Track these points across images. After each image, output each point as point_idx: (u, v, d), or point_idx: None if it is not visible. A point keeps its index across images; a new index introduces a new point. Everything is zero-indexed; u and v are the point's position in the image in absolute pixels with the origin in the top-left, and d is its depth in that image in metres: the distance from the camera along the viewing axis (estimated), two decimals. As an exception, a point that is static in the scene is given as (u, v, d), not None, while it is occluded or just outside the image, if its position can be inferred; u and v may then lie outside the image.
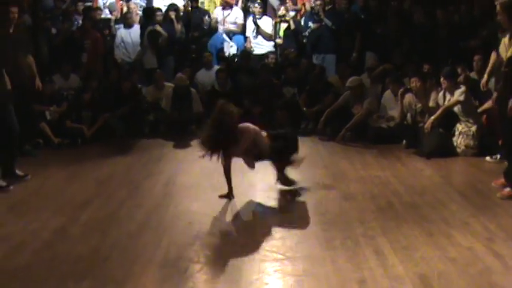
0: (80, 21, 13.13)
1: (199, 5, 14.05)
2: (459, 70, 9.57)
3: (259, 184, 7.43)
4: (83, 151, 10.04)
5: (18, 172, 8.03)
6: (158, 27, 12.78)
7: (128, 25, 13.10)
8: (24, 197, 7.33)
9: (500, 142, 7.91)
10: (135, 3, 13.94)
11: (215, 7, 14.03)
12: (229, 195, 6.93)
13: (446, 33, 11.17)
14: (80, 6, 13.64)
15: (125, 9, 14.15)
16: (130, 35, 12.94)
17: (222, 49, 13.36)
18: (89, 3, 14.08)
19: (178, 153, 9.74)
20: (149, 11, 13.27)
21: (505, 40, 6.55)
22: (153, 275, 4.87)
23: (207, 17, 13.59)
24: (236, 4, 13.99)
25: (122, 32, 13.08)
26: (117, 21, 13.98)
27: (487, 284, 4.50)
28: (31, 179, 8.01)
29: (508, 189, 6.72)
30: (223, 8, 13.63)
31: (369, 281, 4.60)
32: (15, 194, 7.40)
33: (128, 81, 11.49)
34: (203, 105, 11.41)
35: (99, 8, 13.93)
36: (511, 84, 6.38)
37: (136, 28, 13.04)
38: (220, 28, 13.47)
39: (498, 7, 6.62)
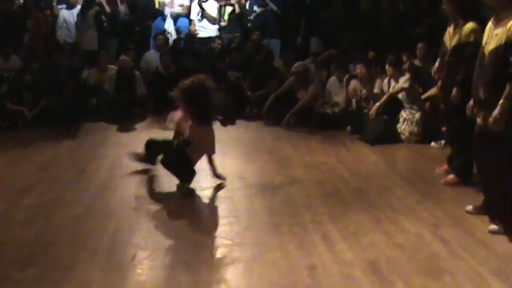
0: (22, 0, 12.80)
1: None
2: (404, 57, 9.63)
3: (206, 170, 7.34)
4: (24, 134, 9.77)
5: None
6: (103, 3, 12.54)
7: (71, 5, 12.80)
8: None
9: (443, 129, 7.99)
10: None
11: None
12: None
13: (391, 20, 11.26)
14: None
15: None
16: (72, 15, 12.66)
17: (165, 31, 13.21)
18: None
19: (122, 136, 9.59)
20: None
21: (450, 30, 6.62)
22: (100, 262, 4.76)
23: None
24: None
25: (64, 12, 12.80)
26: (59, 2, 13.65)
27: (434, 269, 4.54)
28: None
29: (451, 176, 6.80)
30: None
31: (319, 266, 4.59)
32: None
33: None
34: (147, 88, 11.27)
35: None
36: (455, 72, 6.46)
37: (79, 8, 12.73)
38: (167, 10, 13.30)
39: None
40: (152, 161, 7.18)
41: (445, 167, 7.12)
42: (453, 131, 6.96)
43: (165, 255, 4.91)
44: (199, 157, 6.80)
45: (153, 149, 7.10)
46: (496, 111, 4.91)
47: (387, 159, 8.00)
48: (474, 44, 6.16)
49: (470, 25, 6.31)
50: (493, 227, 5.26)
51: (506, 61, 4.85)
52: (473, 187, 6.37)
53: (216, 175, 6.91)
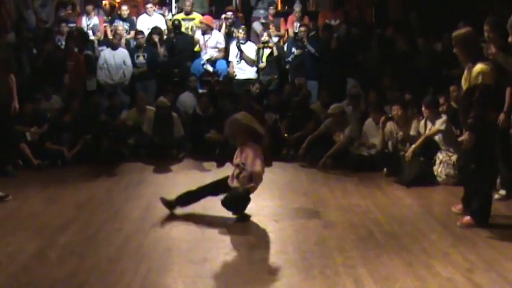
0: (63, 42, 13.09)
1: (184, 30, 14.09)
2: (441, 99, 9.60)
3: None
4: (62, 173, 9.98)
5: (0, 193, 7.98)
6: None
7: (113, 46, 13.03)
8: (1, 218, 7.28)
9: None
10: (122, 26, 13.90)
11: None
12: None
13: (428, 61, 11.24)
14: (63, 27, 13.56)
15: (108, 30, 14.15)
16: (114, 57, 12.86)
17: (204, 73, 13.36)
18: (73, 25, 14.07)
19: (159, 177, 9.69)
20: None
21: (465, 73, 6.65)
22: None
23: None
24: (219, 29, 14.04)
25: (105, 53, 12.99)
26: (100, 43, 13.93)
27: (466, 316, 4.49)
28: (10, 200, 7.96)
29: (467, 218, 6.71)
30: (203, 33, 13.65)
31: (348, 311, 4.57)
32: (-7, 216, 7.34)
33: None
34: (184, 129, 11.38)
35: (82, 29, 13.93)
36: (468, 116, 6.48)
37: (121, 50, 12.96)
38: (202, 53, 13.48)
39: (453, 40, 6.73)
40: (173, 207, 7.39)
41: (460, 206, 7.10)
42: (469, 174, 6.91)
43: (195, 298, 4.93)
44: None
45: (187, 201, 7.33)
46: None
47: (423, 202, 7.92)
48: (482, 85, 6.25)
49: (477, 67, 6.38)
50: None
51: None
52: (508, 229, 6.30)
53: None
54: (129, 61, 12.90)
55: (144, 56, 13.11)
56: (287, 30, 14.33)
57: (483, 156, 6.54)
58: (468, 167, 6.82)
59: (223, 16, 14.34)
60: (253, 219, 7.12)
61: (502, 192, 7.76)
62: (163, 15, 15.02)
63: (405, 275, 5.28)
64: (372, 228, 6.71)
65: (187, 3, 14.39)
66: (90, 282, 5.26)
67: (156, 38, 13.20)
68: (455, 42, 6.67)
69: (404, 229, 6.69)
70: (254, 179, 7.17)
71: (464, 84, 6.63)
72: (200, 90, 12.75)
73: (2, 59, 8.81)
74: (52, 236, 6.56)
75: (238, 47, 13.29)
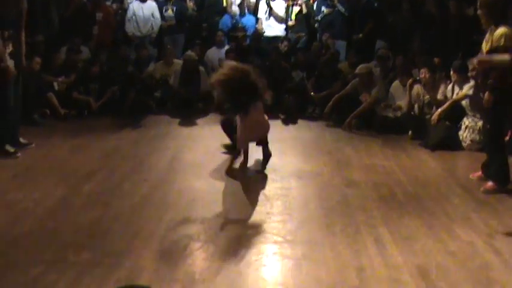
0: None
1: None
2: (470, 64, 9.52)
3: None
4: (89, 123, 10.09)
5: (22, 140, 8.08)
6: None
7: (142, -1, 13.02)
8: (28, 165, 7.40)
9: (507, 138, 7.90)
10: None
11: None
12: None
13: (458, 25, 11.13)
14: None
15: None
16: (142, 9, 12.85)
17: (233, 28, 13.33)
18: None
19: (184, 130, 9.76)
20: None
21: (486, 36, 6.62)
22: (153, 250, 4.90)
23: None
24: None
25: (134, 5, 12.98)
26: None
27: (485, 279, 4.51)
28: (36, 148, 8.08)
29: (490, 183, 6.73)
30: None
31: (367, 268, 4.62)
32: (20, 163, 7.48)
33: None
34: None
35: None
36: (488, 77, 6.50)
37: (150, 3, 12.93)
38: (234, 8, 13.42)
39: (478, 1, 6.69)
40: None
41: (479, 173, 7.12)
42: (487, 136, 6.92)
43: (217, 247, 5.00)
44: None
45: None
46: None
47: (447, 166, 7.91)
48: (504, 48, 6.24)
49: (501, 30, 6.34)
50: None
51: None
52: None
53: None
54: (157, 14, 12.91)
55: (172, 9, 13.10)
56: (317, -13, 14.21)
57: (500, 118, 6.53)
58: (486, 129, 6.85)
59: (253, -28, 14.23)
60: (277, 175, 7.16)
61: None
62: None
63: (426, 237, 5.31)
64: (394, 189, 6.73)
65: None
66: (114, 229, 5.35)
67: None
68: (480, 4, 6.64)
69: (426, 192, 6.70)
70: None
71: (485, 47, 6.60)
72: (227, 46, 12.74)
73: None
74: (77, 183, 6.68)
75: (268, 4, 13.25)
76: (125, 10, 13.26)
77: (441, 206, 6.18)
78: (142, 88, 11.22)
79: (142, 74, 11.64)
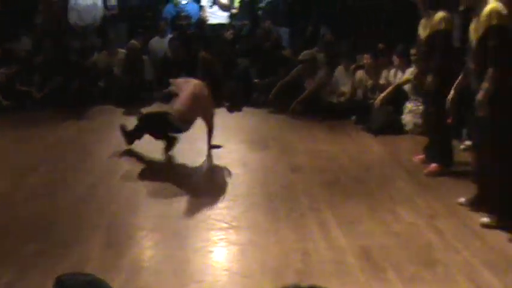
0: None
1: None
2: (412, 49, 9.62)
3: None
4: (32, 115, 9.91)
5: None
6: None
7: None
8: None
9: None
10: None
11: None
12: None
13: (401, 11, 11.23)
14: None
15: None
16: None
17: (177, 16, 13.23)
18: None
19: (128, 120, 9.61)
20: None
21: (422, 21, 6.69)
22: (99, 240, 4.88)
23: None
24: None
25: (75, -6, 12.77)
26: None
27: (427, 259, 4.58)
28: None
29: (433, 165, 6.80)
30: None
31: (312, 252, 4.65)
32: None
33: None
34: (155, 73, 11.33)
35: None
36: (430, 61, 6.57)
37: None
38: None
39: None
40: (131, 141, 7.56)
41: (422, 156, 7.20)
42: (428, 119, 7.02)
43: (162, 235, 5.00)
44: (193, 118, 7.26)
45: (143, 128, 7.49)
46: (479, 95, 4.99)
47: (390, 149, 7.99)
48: (445, 31, 6.36)
49: (440, 14, 6.42)
50: (485, 219, 5.25)
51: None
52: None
53: (211, 146, 7.44)
54: (100, 3, 12.70)
55: (115, -2, 12.93)
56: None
57: (443, 101, 6.63)
58: (428, 112, 6.95)
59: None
60: (222, 162, 7.16)
61: (468, 142, 7.85)
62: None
63: (369, 219, 5.38)
64: (339, 174, 6.78)
65: None
66: (60, 221, 5.31)
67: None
68: None
69: (371, 175, 6.78)
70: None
71: (422, 32, 6.67)
72: (170, 35, 12.64)
73: None
74: (21, 177, 6.57)
75: (212, -8, 13.18)
76: (67, -1, 13.03)
77: (385, 189, 6.25)
78: (86, 78, 11.06)
79: (86, 64, 11.47)
